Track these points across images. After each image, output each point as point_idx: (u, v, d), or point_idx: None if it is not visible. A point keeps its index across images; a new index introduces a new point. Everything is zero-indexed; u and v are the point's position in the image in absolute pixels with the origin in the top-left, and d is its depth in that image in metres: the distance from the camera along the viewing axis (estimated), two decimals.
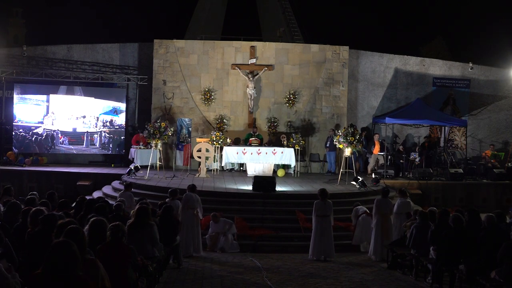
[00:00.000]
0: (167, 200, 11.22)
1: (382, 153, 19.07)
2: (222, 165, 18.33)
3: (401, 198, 11.97)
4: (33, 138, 18.98)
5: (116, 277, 5.68)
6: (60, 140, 19.22)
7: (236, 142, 19.26)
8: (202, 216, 11.72)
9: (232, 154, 17.68)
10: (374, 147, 18.97)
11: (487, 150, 20.53)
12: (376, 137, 19.23)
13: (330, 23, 38.16)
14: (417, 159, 18.73)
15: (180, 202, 11.21)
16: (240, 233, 12.31)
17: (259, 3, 29.54)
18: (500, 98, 21.62)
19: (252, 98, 19.63)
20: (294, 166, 18.22)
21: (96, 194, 15.03)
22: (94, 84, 19.83)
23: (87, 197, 10.80)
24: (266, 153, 17.66)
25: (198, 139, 18.25)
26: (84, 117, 19.42)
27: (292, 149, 17.94)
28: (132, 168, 16.36)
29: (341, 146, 16.43)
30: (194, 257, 10.94)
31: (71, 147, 19.40)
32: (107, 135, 19.56)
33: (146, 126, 16.61)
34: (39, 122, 19.09)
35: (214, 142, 17.98)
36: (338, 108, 20.22)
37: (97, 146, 19.56)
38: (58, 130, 19.20)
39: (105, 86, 20.02)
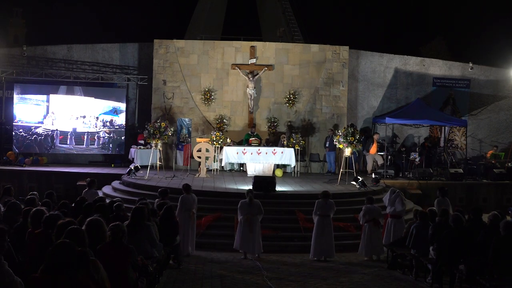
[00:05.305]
0: (156, 200, 11.16)
1: (381, 153, 19.06)
2: (222, 165, 18.33)
3: (442, 197, 12.25)
4: (33, 138, 18.98)
5: (116, 277, 5.67)
6: (68, 140, 19.19)
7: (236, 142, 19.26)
8: (200, 215, 11.64)
9: (232, 154, 17.68)
10: (372, 145, 18.91)
11: (490, 151, 20.49)
12: (376, 136, 19.19)
13: (330, 23, 38.23)
14: (417, 159, 18.73)
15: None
16: None
17: (259, 3, 29.55)
18: (500, 98, 21.62)
19: (252, 98, 19.62)
20: (294, 166, 18.22)
21: None
22: (94, 84, 19.82)
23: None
24: (266, 153, 17.66)
25: (198, 139, 18.25)
26: (84, 117, 19.41)
27: (292, 149, 17.94)
28: (132, 168, 16.36)
29: (341, 146, 16.42)
30: (194, 257, 10.95)
31: (71, 147, 19.39)
32: (107, 135, 19.55)
33: (146, 126, 16.61)
34: (39, 122, 19.08)
35: (214, 142, 17.98)
36: (338, 108, 20.22)
37: (97, 146, 19.55)
38: (60, 130, 19.16)
39: (105, 86, 20.01)
